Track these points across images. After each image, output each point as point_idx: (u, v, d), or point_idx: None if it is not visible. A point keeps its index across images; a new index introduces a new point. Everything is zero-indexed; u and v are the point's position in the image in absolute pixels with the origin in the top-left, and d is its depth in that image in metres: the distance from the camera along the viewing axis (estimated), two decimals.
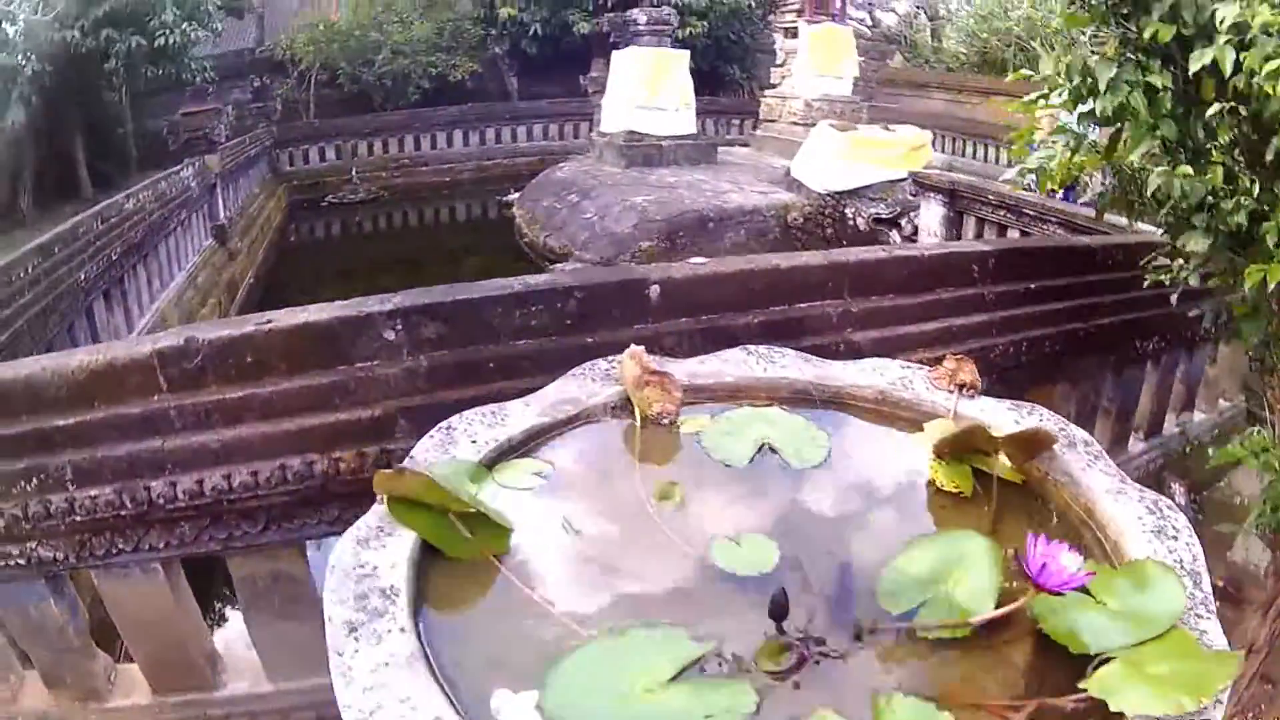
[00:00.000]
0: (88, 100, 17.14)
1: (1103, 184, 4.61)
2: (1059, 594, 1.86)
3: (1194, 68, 3.45)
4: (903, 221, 14.78)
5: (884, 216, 15.13)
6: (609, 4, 26.56)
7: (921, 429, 2.59)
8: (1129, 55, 3.77)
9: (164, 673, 3.92)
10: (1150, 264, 4.49)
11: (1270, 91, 3.24)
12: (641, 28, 21.03)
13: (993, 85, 25.29)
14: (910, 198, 14.79)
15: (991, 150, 22.64)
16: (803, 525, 2.25)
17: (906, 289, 4.45)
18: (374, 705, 1.58)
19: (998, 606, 1.85)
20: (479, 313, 3.52)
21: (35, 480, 3.32)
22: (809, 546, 2.12)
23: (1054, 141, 4.51)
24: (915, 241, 13.83)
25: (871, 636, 1.84)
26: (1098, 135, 4.46)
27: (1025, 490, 2.37)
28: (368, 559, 1.92)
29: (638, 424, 2.63)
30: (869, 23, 33.80)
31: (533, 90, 29.98)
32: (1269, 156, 3.51)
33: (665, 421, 2.63)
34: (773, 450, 2.52)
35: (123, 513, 3.35)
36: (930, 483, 2.39)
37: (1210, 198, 3.73)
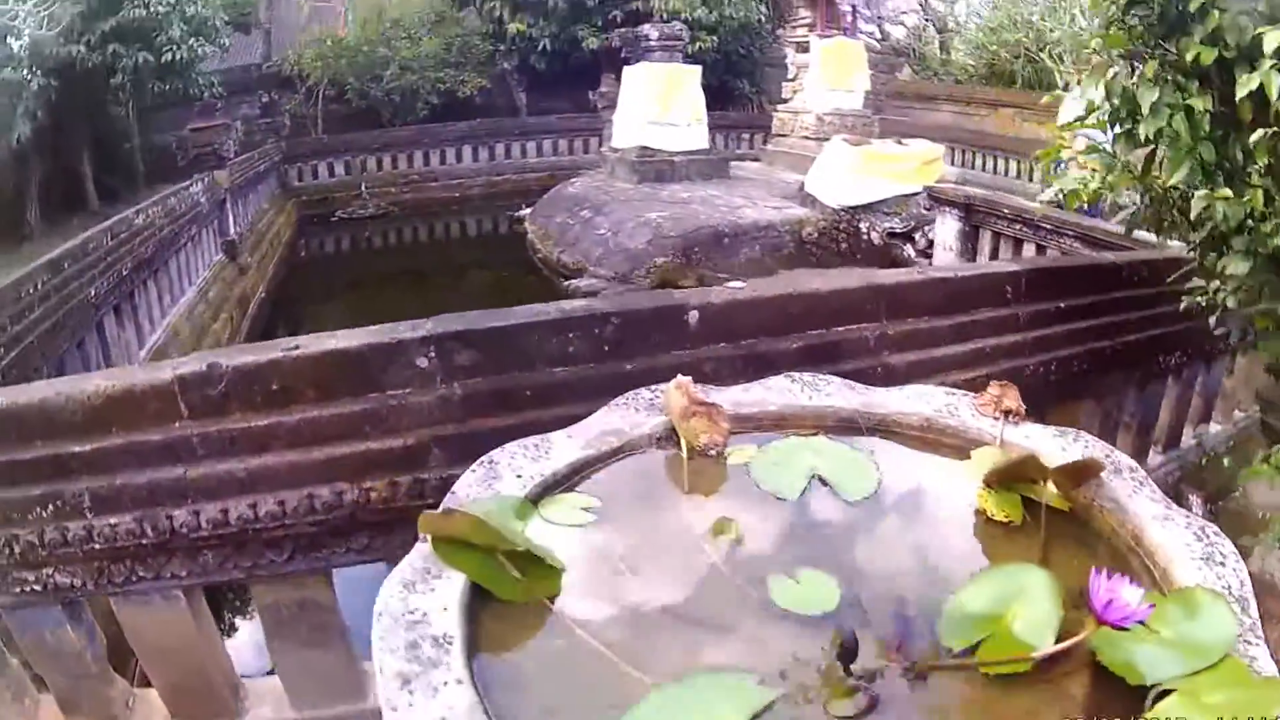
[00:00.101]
0: (94, 115, 17.09)
1: (1133, 202, 4.53)
2: (1122, 628, 1.82)
3: (1241, 93, 3.40)
4: (917, 236, 14.73)
5: (898, 231, 15.08)
6: (619, 19, 26.63)
7: (968, 456, 2.53)
8: (1167, 77, 3.72)
9: (184, 699, 3.84)
10: (1179, 281, 4.50)
11: None
12: (653, 43, 20.93)
13: (1000, 97, 25.40)
14: (924, 212, 14.75)
15: (1001, 162, 22.64)
16: (858, 560, 2.17)
17: (942, 311, 4.40)
18: None
19: (1057, 640, 1.80)
20: (514, 340, 3.44)
21: (52, 507, 3.24)
22: (867, 582, 2.06)
23: (1085, 161, 4.51)
24: (930, 256, 13.84)
25: (935, 674, 1.80)
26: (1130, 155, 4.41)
27: (1072, 517, 2.30)
28: (417, 604, 1.83)
29: (684, 455, 2.54)
30: (878, 36, 33.82)
31: (542, 106, 29.99)
32: None
33: (712, 452, 2.55)
34: (823, 482, 2.44)
35: (144, 541, 3.27)
36: (980, 511, 2.33)
37: (1249, 220, 3.68)
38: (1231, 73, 3.51)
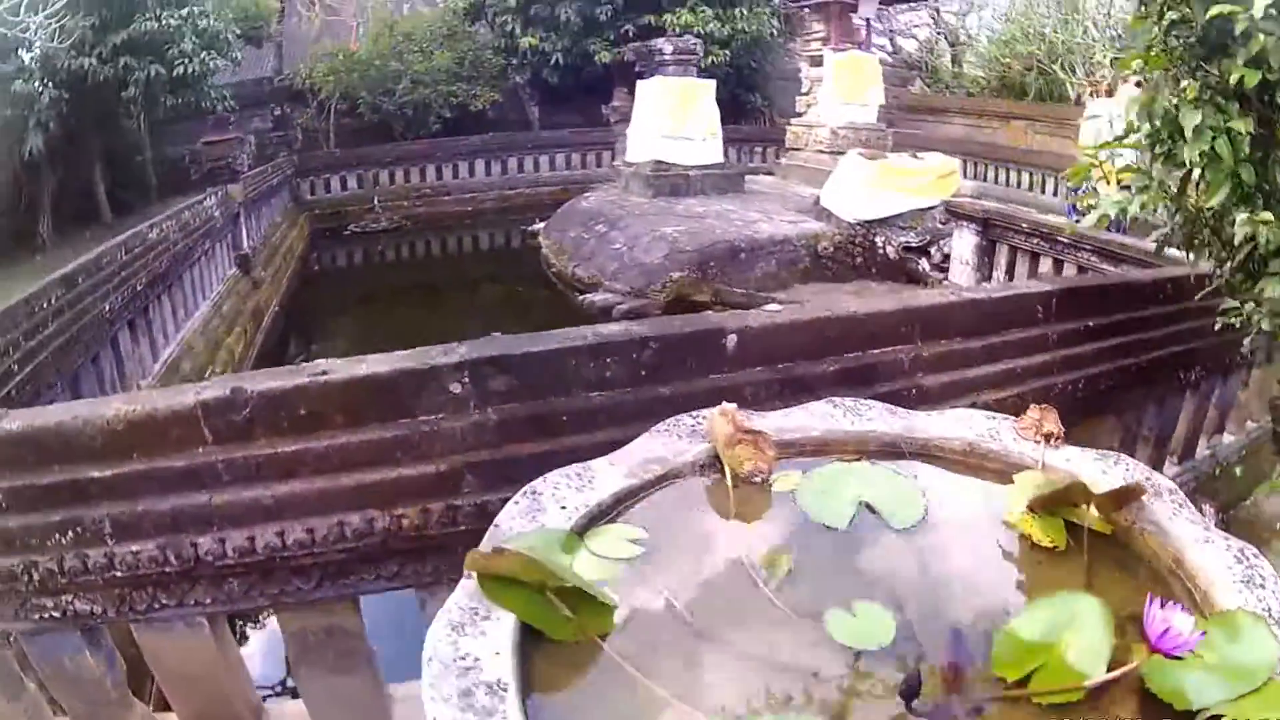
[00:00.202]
0: (106, 127, 17.10)
1: (1164, 222, 4.49)
2: (1175, 657, 1.82)
3: None
4: (932, 250, 14.69)
5: (914, 245, 15.03)
6: (631, 34, 26.66)
7: (1010, 480, 2.51)
8: (1206, 98, 3.69)
9: None
10: (1204, 299, 4.53)
11: None
12: (667, 57, 20.94)
13: (1012, 110, 25.50)
14: (940, 226, 14.73)
15: (1013, 174, 22.75)
16: (910, 590, 2.13)
17: (974, 332, 4.37)
18: None
19: (1109, 668, 1.80)
20: (550, 364, 3.36)
21: (72, 533, 3.15)
22: (920, 612, 2.03)
23: (1123, 180, 4.52)
24: (945, 270, 13.88)
25: (991, 706, 1.81)
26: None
27: (1114, 540, 2.30)
28: (468, 648, 1.76)
29: (729, 484, 2.49)
30: (890, 49, 33.96)
31: (554, 120, 30.05)
32: None
33: (757, 479, 2.51)
34: (870, 509, 2.42)
35: (167, 569, 3.19)
36: (1025, 537, 2.31)
37: None
38: (1273, 95, 3.49)
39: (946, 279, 13.66)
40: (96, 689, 3.58)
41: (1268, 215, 3.60)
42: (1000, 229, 12.23)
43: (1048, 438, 2.66)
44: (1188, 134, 3.67)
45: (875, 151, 18.61)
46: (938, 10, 35.11)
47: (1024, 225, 11.73)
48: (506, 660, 1.75)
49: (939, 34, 36.29)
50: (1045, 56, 26.91)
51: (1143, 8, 4.01)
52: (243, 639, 6.69)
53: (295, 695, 3.97)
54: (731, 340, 3.65)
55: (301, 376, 3.17)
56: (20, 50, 13.43)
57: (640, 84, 21.56)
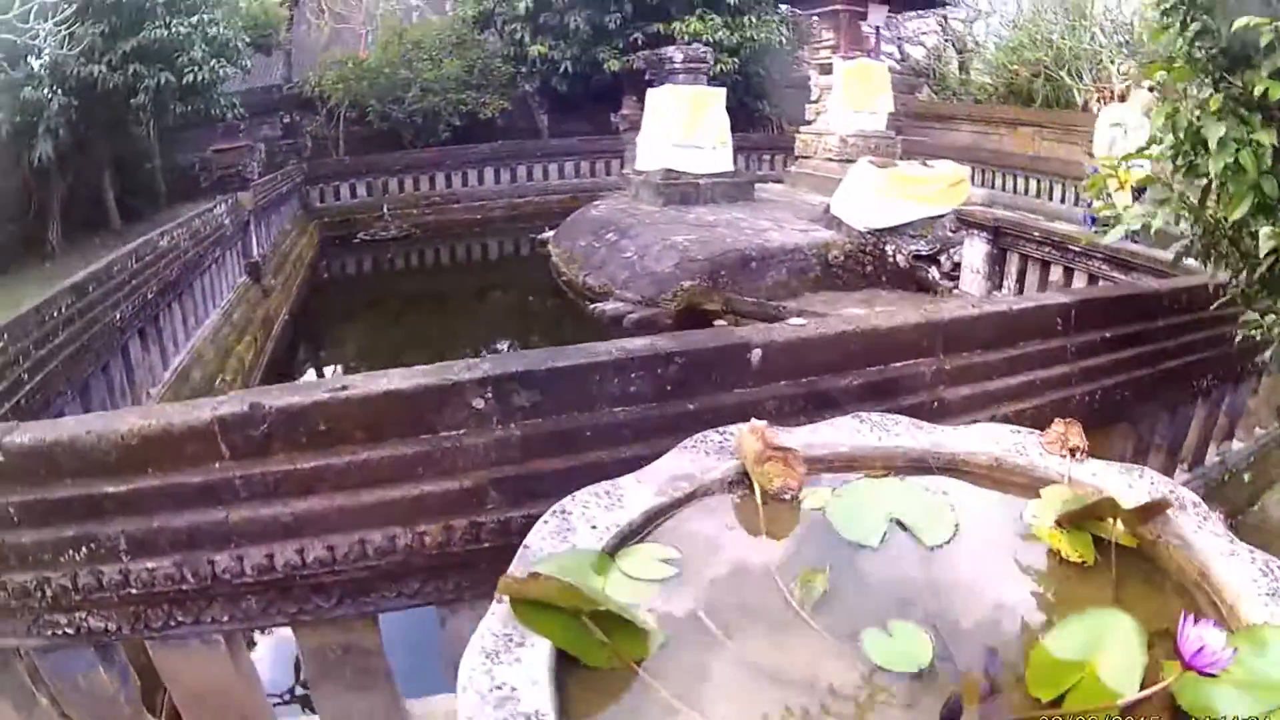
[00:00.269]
0: (116, 134, 17.11)
1: (1183, 233, 4.49)
2: (1207, 674, 1.82)
3: None
4: (942, 258, 14.63)
5: (924, 253, 14.97)
6: (640, 42, 26.73)
7: (1037, 494, 2.52)
8: (1229, 110, 3.68)
9: None
10: (1219, 309, 4.59)
11: None
12: (677, 65, 20.97)
13: (1020, 116, 25.57)
14: (950, 234, 14.67)
15: (1021, 181, 22.85)
16: (944, 608, 2.13)
17: (995, 344, 4.36)
18: None
19: (1141, 686, 1.81)
20: (575, 380, 3.32)
21: (85, 549, 3.10)
22: (954, 632, 2.03)
23: (1134, 187, 4.68)
24: (956, 278, 13.96)
25: None
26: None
27: (1139, 554, 2.31)
28: (503, 677, 1.73)
29: (759, 501, 2.48)
30: (897, 56, 34.06)
31: (563, 128, 30.12)
32: None
33: (786, 497, 2.50)
34: (901, 526, 2.42)
35: (183, 587, 3.14)
36: (1054, 552, 2.32)
37: None
38: None
39: (957, 287, 13.70)
40: (110, 706, 3.54)
41: None
42: (1011, 237, 12.23)
43: (1073, 452, 2.66)
44: (1212, 146, 3.68)
45: (885, 160, 18.57)
46: (945, 17, 35.23)
47: (1035, 234, 11.76)
48: (544, 690, 1.72)
49: (946, 41, 36.42)
50: (1052, 63, 26.97)
51: (1165, 18, 3.99)
52: (250, 643, 6.66)
53: (304, 704, 3.94)
54: (756, 354, 3.62)
55: (321, 392, 3.12)
56: (30, 57, 13.42)
57: (651, 92, 21.57)
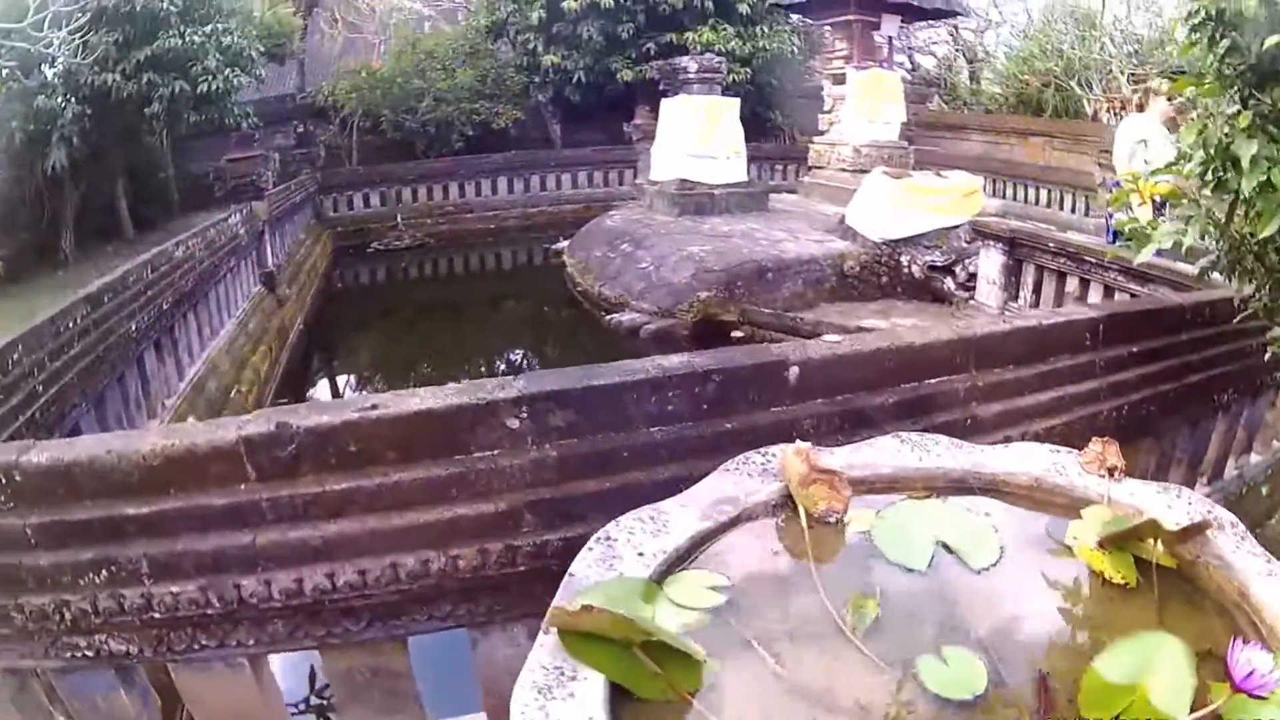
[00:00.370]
0: (129, 143, 17.08)
1: (1208, 249, 4.47)
2: (1258, 697, 1.85)
3: None
4: (957, 269, 14.60)
5: (939, 264, 14.95)
6: (652, 52, 26.73)
7: (1078, 515, 2.56)
8: (1259, 127, 3.66)
9: None
10: (1242, 322, 4.58)
11: None
12: (691, 76, 20.94)
13: (1030, 126, 25.58)
14: (965, 245, 14.65)
15: (1032, 191, 22.93)
16: (994, 632, 2.15)
17: (1025, 360, 4.35)
18: None
19: (1191, 708, 1.84)
20: (612, 399, 3.27)
21: (106, 572, 3.05)
22: (1006, 656, 2.06)
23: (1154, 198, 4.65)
24: (970, 289, 13.98)
25: None
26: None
27: (1179, 574, 2.35)
28: (558, 714, 1.72)
29: (804, 524, 2.47)
30: (908, 66, 34.11)
31: (576, 137, 30.13)
32: None
33: (831, 519, 2.51)
34: (947, 549, 2.44)
35: (208, 611, 3.08)
36: (1097, 574, 2.35)
37: None
38: None
39: (973, 298, 13.68)
40: None
41: None
42: (1027, 248, 12.20)
43: (1111, 471, 2.69)
44: (1244, 164, 3.66)
45: (899, 170, 18.53)
46: (956, 27, 35.34)
47: (1050, 245, 11.73)
48: None
49: (957, 51, 36.50)
50: (1062, 73, 26.95)
51: (1193, 34, 3.96)
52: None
53: (319, 714, 3.89)
54: (793, 372, 3.58)
55: (350, 411, 3.07)
56: (43, 65, 13.47)
57: (665, 102, 21.59)
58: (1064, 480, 2.71)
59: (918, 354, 3.97)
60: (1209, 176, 4.01)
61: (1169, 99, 10.36)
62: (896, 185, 16.13)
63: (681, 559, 2.31)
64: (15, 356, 6.33)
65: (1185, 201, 4.33)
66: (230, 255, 13.71)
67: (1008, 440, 3.95)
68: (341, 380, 16.23)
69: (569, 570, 2.19)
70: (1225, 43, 3.80)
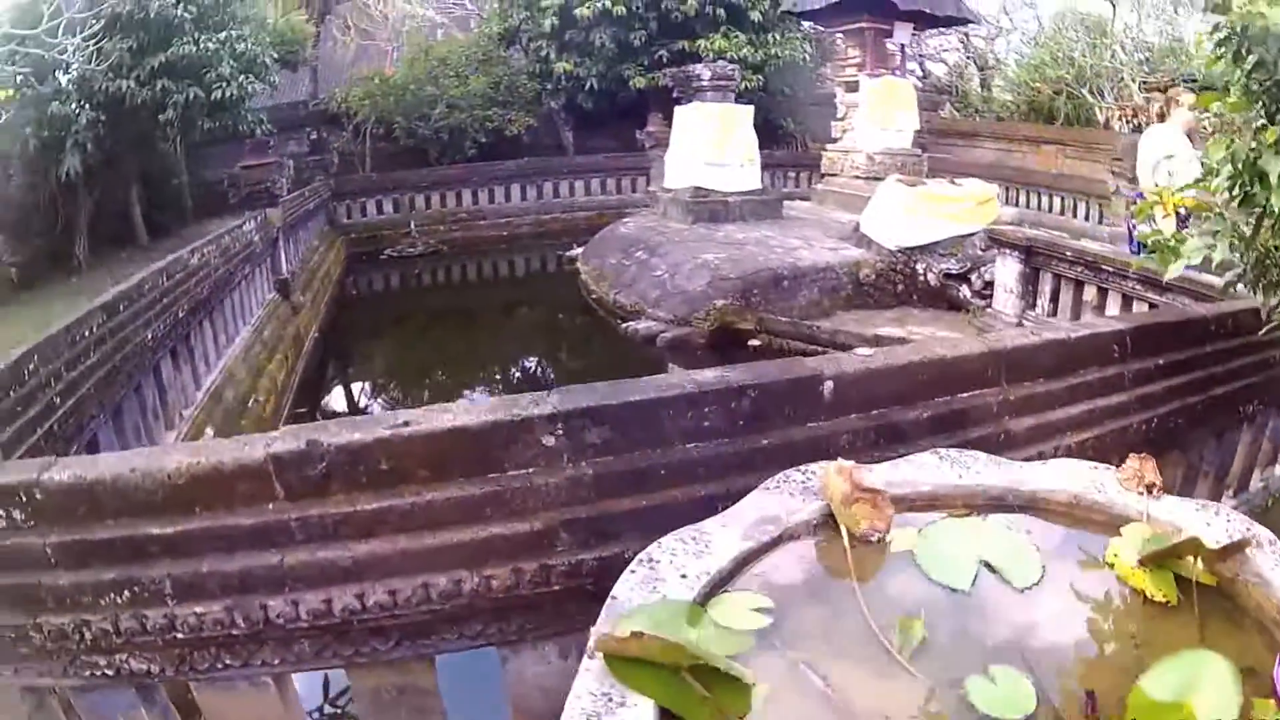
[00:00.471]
0: (143, 149, 17.12)
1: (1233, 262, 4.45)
2: None
3: None
4: (973, 277, 14.54)
5: (955, 272, 14.89)
6: (665, 59, 26.72)
7: (1117, 532, 2.54)
8: None
9: None
10: (1271, 333, 4.57)
11: None
12: (705, 83, 20.99)
13: (1042, 134, 25.54)
14: (981, 252, 14.59)
15: (1045, 199, 23.01)
16: (1040, 651, 2.15)
17: (1055, 373, 4.34)
18: None
19: None
20: (648, 415, 3.24)
21: (128, 593, 3.02)
22: (1053, 675, 2.06)
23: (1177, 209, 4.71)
24: (985, 297, 14.00)
25: None
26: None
27: (1218, 592, 2.34)
28: None
29: (846, 544, 2.48)
30: (920, 74, 34.06)
31: (588, 144, 30.15)
32: None
33: (873, 539, 2.51)
34: (989, 568, 2.43)
35: (234, 631, 3.05)
36: (1138, 592, 2.35)
37: None
38: None
39: (989, 306, 13.66)
40: None
41: None
42: (1044, 257, 12.17)
43: (1149, 488, 2.67)
44: (1272, 180, 3.70)
45: (914, 178, 18.50)
46: (967, 35, 35.37)
47: (1068, 254, 11.70)
48: None
49: (968, 58, 36.54)
50: (1074, 80, 26.93)
51: (1219, 48, 3.94)
52: None
53: None
54: (828, 387, 3.55)
55: (382, 429, 3.03)
56: (58, 72, 13.48)
57: (678, 110, 21.57)
58: (1103, 497, 2.68)
59: (949, 367, 3.95)
60: (1236, 191, 4.01)
61: (1191, 109, 10.34)
62: (911, 193, 16.10)
63: (725, 580, 2.29)
64: (31, 367, 6.25)
65: (1212, 215, 4.31)
66: (245, 262, 13.67)
67: (1041, 455, 3.95)
68: (357, 388, 16.25)
69: (612, 593, 2.16)
70: (1252, 58, 3.78)
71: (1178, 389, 4.84)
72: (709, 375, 3.45)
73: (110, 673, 3.17)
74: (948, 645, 2.14)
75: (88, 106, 14.07)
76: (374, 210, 26.80)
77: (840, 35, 25.44)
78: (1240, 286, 4.68)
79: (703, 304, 14.63)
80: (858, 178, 22.11)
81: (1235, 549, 2.32)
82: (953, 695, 1.96)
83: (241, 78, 16.74)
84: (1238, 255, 4.37)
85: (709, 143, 20.37)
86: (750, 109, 21.42)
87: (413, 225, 26.30)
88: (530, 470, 3.10)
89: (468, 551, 3.06)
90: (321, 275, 19.92)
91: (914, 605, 2.26)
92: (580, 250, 20.57)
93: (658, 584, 2.18)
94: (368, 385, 16.38)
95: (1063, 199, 22.34)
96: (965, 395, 3.98)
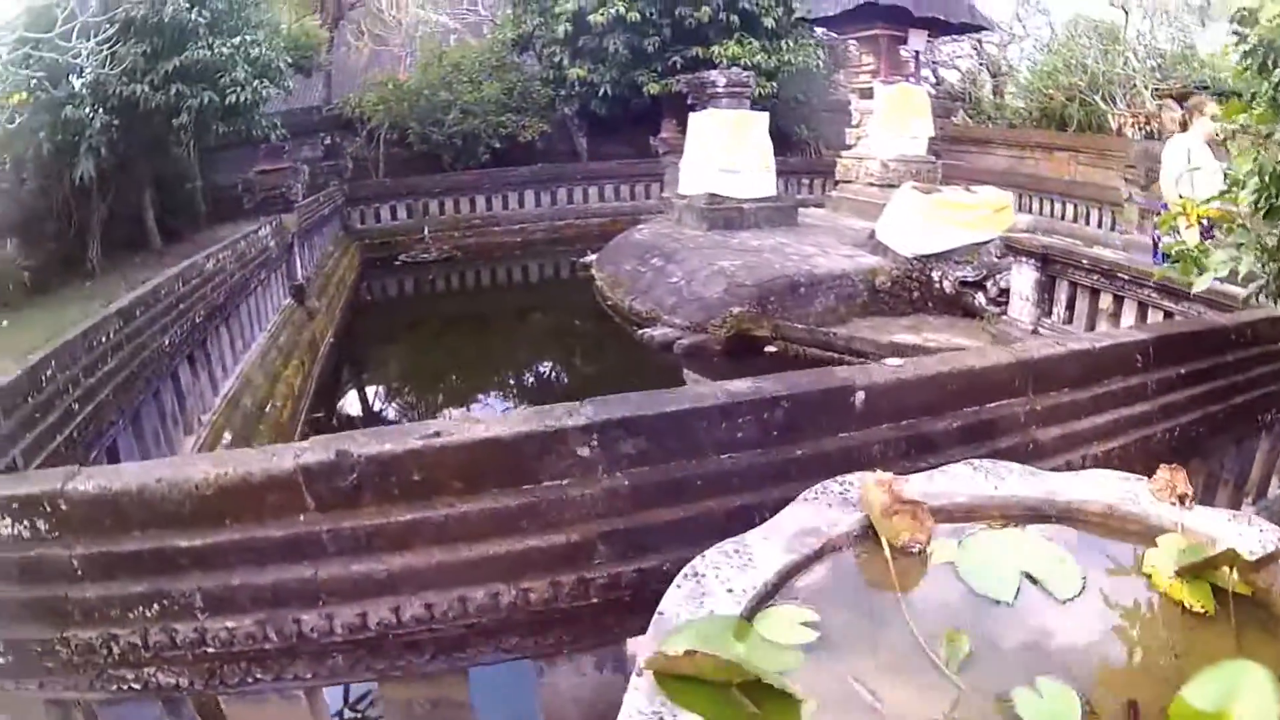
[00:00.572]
0: (157, 154, 17.11)
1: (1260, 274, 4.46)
2: None
3: None
4: (988, 284, 14.54)
5: (970, 280, 14.89)
6: (678, 66, 26.75)
7: (1151, 543, 2.55)
8: None
9: None
10: None
11: None
12: (720, 90, 20.97)
13: (1055, 141, 25.60)
14: (996, 260, 14.60)
15: (1058, 206, 23.05)
16: (1083, 663, 2.15)
17: (1081, 383, 4.32)
18: None
19: None
20: (683, 426, 3.21)
21: (157, 606, 2.97)
22: (1096, 687, 2.06)
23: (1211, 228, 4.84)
24: (1001, 304, 13.98)
25: None
26: None
27: (1253, 602, 2.34)
28: None
29: (888, 555, 2.49)
30: (933, 80, 34.07)
31: (602, 151, 30.19)
32: None
33: (915, 550, 2.52)
34: (1031, 580, 2.43)
35: (265, 645, 3.02)
36: (1176, 602, 2.35)
37: None
38: None
39: (1004, 313, 13.64)
40: None
41: None
42: (1060, 265, 12.15)
43: (1182, 499, 2.68)
44: None
45: (929, 185, 18.51)
46: (980, 41, 35.38)
47: (1084, 261, 11.68)
48: None
49: (981, 65, 36.52)
50: (1086, 87, 26.93)
51: (1245, 59, 3.94)
52: None
53: None
54: (859, 397, 3.53)
55: (413, 439, 2.99)
56: (71, 76, 13.46)
57: (693, 116, 21.59)
58: (1137, 508, 2.69)
59: (978, 377, 3.93)
60: (1261, 203, 3.99)
61: (1213, 117, 10.31)
62: (927, 200, 16.11)
63: (769, 594, 2.29)
64: (49, 373, 6.22)
65: (1236, 227, 4.31)
66: (261, 267, 13.68)
67: (1069, 465, 3.95)
68: (372, 393, 16.27)
69: (658, 608, 2.15)
70: (1279, 72, 3.77)
71: (1199, 398, 4.84)
72: (742, 385, 3.43)
73: (137, 686, 3.12)
74: (993, 657, 2.14)
75: (101, 111, 14.05)
76: (388, 216, 26.90)
77: (854, 42, 25.47)
78: (1262, 297, 4.68)
79: (719, 311, 14.66)
80: (872, 185, 22.19)
81: (1270, 559, 2.33)
82: (1000, 708, 1.96)
83: (256, 82, 16.74)
84: (1259, 266, 4.36)
85: (724, 149, 20.38)
86: (765, 115, 21.45)
87: (426, 231, 26.34)
88: (565, 481, 3.06)
89: (504, 564, 3.03)
90: (336, 281, 19.93)
91: (958, 617, 2.26)
92: (595, 256, 20.64)
93: (704, 598, 2.18)
94: (383, 390, 16.40)
95: (1075, 206, 22.33)
96: (993, 405, 3.96)
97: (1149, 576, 2.43)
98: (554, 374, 16.99)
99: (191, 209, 18.65)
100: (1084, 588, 2.39)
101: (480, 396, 15.23)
